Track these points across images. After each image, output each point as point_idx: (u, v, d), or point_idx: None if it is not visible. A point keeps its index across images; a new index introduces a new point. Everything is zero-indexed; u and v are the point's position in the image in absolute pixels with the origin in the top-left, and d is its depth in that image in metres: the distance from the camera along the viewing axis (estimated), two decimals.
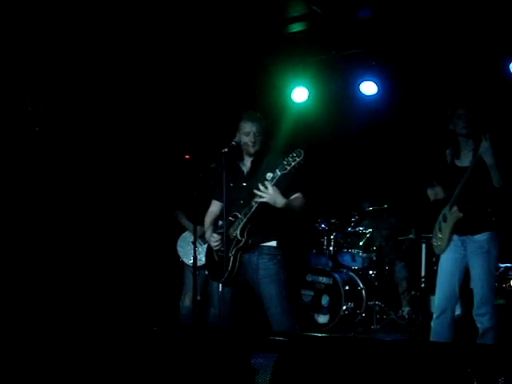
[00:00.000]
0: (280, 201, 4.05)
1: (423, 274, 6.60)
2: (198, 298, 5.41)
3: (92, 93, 6.49)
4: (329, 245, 7.29)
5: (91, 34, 5.92)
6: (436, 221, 4.71)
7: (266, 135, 4.37)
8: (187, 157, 5.45)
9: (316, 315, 6.85)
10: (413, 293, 6.70)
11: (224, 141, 4.39)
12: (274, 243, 4.26)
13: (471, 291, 4.50)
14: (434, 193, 4.68)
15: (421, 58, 6.62)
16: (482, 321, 4.38)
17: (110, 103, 6.66)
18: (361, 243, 7.20)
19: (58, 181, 6.16)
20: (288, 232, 4.49)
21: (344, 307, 6.68)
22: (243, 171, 4.40)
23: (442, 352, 2.51)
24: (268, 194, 3.98)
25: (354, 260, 7.39)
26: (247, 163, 4.40)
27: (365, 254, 7.18)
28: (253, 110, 4.43)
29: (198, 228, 4.83)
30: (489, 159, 4.28)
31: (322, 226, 7.30)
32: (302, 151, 3.92)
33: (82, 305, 5.95)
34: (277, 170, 3.98)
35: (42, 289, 5.84)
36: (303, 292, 6.98)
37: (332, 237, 7.28)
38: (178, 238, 5.96)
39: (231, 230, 4.24)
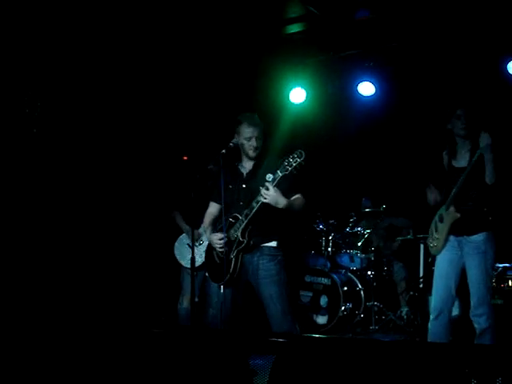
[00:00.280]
0: (281, 201, 4.05)
1: (421, 274, 6.61)
2: (196, 299, 5.41)
3: (90, 94, 6.49)
4: (327, 245, 7.30)
5: (89, 35, 5.92)
6: (432, 221, 4.71)
7: (264, 136, 4.38)
8: (185, 158, 5.45)
9: (315, 316, 6.85)
10: (411, 293, 6.69)
11: (222, 142, 4.39)
12: (274, 244, 4.27)
13: (468, 292, 4.50)
14: (434, 198, 4.68)
15: (419, 59, 6.61)
16: (480, 321, 4.38)
17: (107, 105, 6.66)
18: (359, 244, 7.20)
19: (56, 182, 6.15)
20: (287, 233, 4.49)
21: (343, 308, 6.69)
22: (242, 173, 4.40)
23: (441, 352, 2.51)
24: (270, 194, 3.98)
25: (352, 261, 7.39)
26: (246, 165, 4.40)
27: (363, 255, 7.18)
28: (250, 112, 4.43)
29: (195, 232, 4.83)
30: (488, 153, 4.28)
31: (320, 226, 7.30)
32: (303, 152, 3.91)
33: (81, 307, 5.95)
34: (278, 171, 3.98)
35: (40, 291, 5.83)
36: (302, 293, 6.98)
37: (330, 237, 7.29)
38: (175, 239, 5.96)
39: (232, 231, 4.24)
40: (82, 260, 6.29)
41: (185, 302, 5.79)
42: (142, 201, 6.92)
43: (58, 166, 6.20)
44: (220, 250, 4.28)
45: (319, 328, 6.74)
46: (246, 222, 4.15)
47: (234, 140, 4.35)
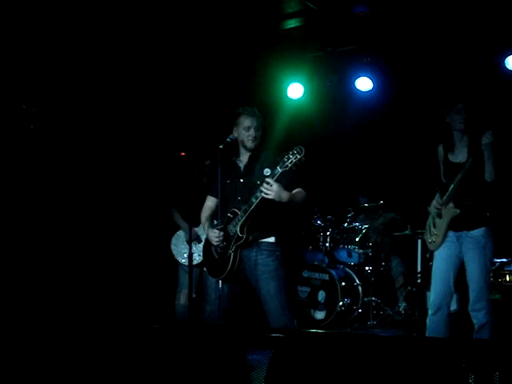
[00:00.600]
0: (285, 196, 4.04)
1: (419, 269, 6.61)
2: (194, 295, 5.41)
3: (87, 90, 6.47)
4: (325, 241, 7.29)
5: (85, 31, 5.91)
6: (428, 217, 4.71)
7: (262, 131, 4.38)
8: (183, 154, 5.44)
9: (312, 311, 6.85)
10: (409, 288, 6.70)
11: (219, 138, 4.38)
12: (272, 239, 4.26)
13: (467, 287, 4.50)
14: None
15: (416, 54, 6.61)
16: (478, 316, 4.38)
17: (104, 100, 6.65)
18: (357, 239, 7.20)
19: (53, 178, 6.14)
20: (285, 228, 4.49)
21: (340, 303, 6.69)
22: (240, 167, 4.40)
23: (438, 347, 2.51)
24: (273, 190, 3.97)
25: (350, 256, 7.39)
26: (244, 159, 4.40)
27: (361, 250, 7.17)
28: (249, 106, 4.43)
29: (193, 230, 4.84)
30: (488, 152, 4.28)
31: (318, 222, 7.30)
32: (303, 148, 3.88)
33: (79, 303, 5.95)
34: (277, 167, 3.95)
35: (38, 287, 5.83)
36: (299, 288, 6.98)
37: (328, 233, 7.28)
38: (172, 235, 5.96)
39: (230, 226, 4.24)
40: (79, 256, 6.29)
41: (182, 298, 5.79)
42: (139, 197, 6.92)
43: (55, 162, 6.19)
44: (217, 245, 4.28)
45: (317, 323, 6.74)
46: (245, 217, 4.14)
47: (231, 135, 4.35)
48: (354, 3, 5.95)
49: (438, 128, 4.66)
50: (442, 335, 4.44)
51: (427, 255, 6.18)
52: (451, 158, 4.57)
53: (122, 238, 6.69)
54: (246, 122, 4.28)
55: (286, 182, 4.08)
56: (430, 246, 4.70)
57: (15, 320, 3.52)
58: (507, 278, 5.66)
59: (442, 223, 4.54)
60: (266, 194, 3.98)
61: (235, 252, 4.21)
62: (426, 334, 4.61)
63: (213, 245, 4.34)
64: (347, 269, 7.13)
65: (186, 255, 5.38)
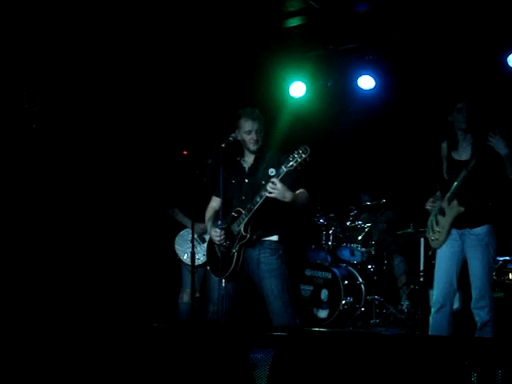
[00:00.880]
0: (288, 196, 4.03)
1: (422, 267, 6.60)
2: (197, 295, 5.42)
3: (89, 89, 6.48)
4: (327, 239, 7.29)
5: (87, 31, 5.91)
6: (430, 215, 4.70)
7: (265, 132, 4.37)
8: (185, 153, 5.44)
9: (315, 310, 6.85)
10: (412, 287, 6.70)
11: (221, 137, 4.38)
12: (275, 237, 4.26)
13: (469, 285, 4.50)
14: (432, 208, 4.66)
15: (419, 52, 6.61)
16: (481, 314, 4.37)
17: (106, 99, 6.65)
18: (359, 237, 7.20)
19: (55, 177, 6.15)
20: (288, 227, 4.49)
21: (343, 302, 6.69)
22: (244, 167, 4.40)
23: (441, 345, 2.51)
24: (277, 189, 3.97)
25: (352, 254, 7.39)
26: (248, 159, 4.40)
27: (363, 249, 7.18)
28: (250, 106, 4.42)
29: (197, 225, 4.83)
30: (503, 150, 4.25)
31: (321, 220, 7.30)
32: (308, 148, 3.88)
33: (83, 302, 5.96)
34: (282, 167, 3.95)
35: (42, 286, 5.84)
36: (302, 287, 6.98)
37: (331, 231, 7.28)
38: (175, 234, 5.96)
39: (234, 225, 4.24)
40: (82, 256, 6.30)
41: (185, 297, 5.79)
42: (141, 196, 6.92)
43: (57, 161, 6.20)
44: (220, 244, 4.28)
45: (320, 322, 6.75)
46: (249, 216, 4.14)
47: (234, 134, 4.35)
48: (356, 1, 5.94)
49: (441, 126, 4.65)
50: (445, 333, 4.44)
51: (430, 253, 6.17)
52: (455, 155, 4.56)
53: (125, 237, 6.69)
54: (246, 125, 4.27)
55: (290, 181, 4.09)
56: (433, 244, 4.69)
57: (17, 320, 3.53)
58: (510, 276, 5.65)
59: (446, 221, 4.53)
60: (270, 192, 3.98)
61: (239, 251, 4.21)
62: (429, 332, 4.60)
63: (216, 244, 4.35)
64: (350, 267, 7.14)
65: (189, 254, 5.38)
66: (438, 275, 4.58)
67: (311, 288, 6.94)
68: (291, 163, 3.91)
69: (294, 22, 6.39)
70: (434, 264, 4.73)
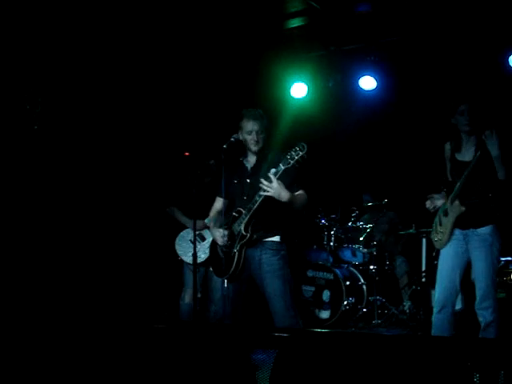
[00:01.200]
0: (284, 194, 4.04)
1: (424, 268, 6.60)
2: (199, 295, 5.41)
3: (91, 90, 6.48)
4: (329, 240, 7.28)
5: (89, 32, 5.92)
6: (435, 215, 4.70)
7: (267, 131, 4.37)
8: (187, 154, 5.45)
9: (317, 311, 6.85)
10: (414, 287, 6.69)
11: (223, 137, 4.38)
12: (277, 238, 4.26)
13: (472, 285, 4.49)
14: (433, 206, 4.66)
15: (420, 53, 6.60)
16: (485, 314, 4.37)
17: (108, 100, 6.65)
18: (361, 238, 7.19)
19: (57, 178, 6.16)
20: (290, 227, 4.49)
21: (345, 302, 6.68)
22: (247, 167, 4.41)
23: (443, 346, 2.51)
24: (273, 187, 3.98)
25: (354, 255, 7.39)
26: (251, 159, 4.40)
27: (365, 249, 7.17)
28: (252, 107, 4.42)
29: (197, 223, 4.83)
30: (495, 151, 4.26)
31: (323, 221, 7.29)
32: (305, 145, 3.90)
33: (84, 303, 5.96)
34: (280, 165, 3.97)
35: (42, 286, 5.84)
36: (304, 287, 6.98)
37: (332, 232, 7.27)
38: (176, 234, 5.96)
39: (235, 225, 4.24)
40: (84, 256, 6.30)
41: (187, 298, 5.79)
42: (143, 196, 6.92)
43: (59, 162, 6.21)
44: (222, 244, 4.28)
45: (322, 323, 6.74)
46: (248, 215, 4.15)
47: (236, 135, 4.35)
48: (358, 2, 5.94)
49: (443, 126, 4.64)
50: (447, 333, 4.43)
51: (433, 254, 6.17)
52: (458, 156, 4.56)
53: (127, 237, 6.70)
54: (248, 125, 4.28)
55: (289, 180, 4.09)
56: (437, 244, 4.69)
57: (18, 321, 3.53)
58: None
59: (448, 221, 4.53)
60: (264, 190, 3.99)
61: (240, 251, 4.21)
62: (431, 333, 4.60)
63: (219, 244, 4.35)
64: (352, 268, 7.13)
65: (190, 254, 5.38)
66: (441, 275, 4.57)
67: (313, 289, 6.94)
68: (288, 161, 3.92)
69: (295, 22, 6.39)
70: (436, 264, 4.73)
